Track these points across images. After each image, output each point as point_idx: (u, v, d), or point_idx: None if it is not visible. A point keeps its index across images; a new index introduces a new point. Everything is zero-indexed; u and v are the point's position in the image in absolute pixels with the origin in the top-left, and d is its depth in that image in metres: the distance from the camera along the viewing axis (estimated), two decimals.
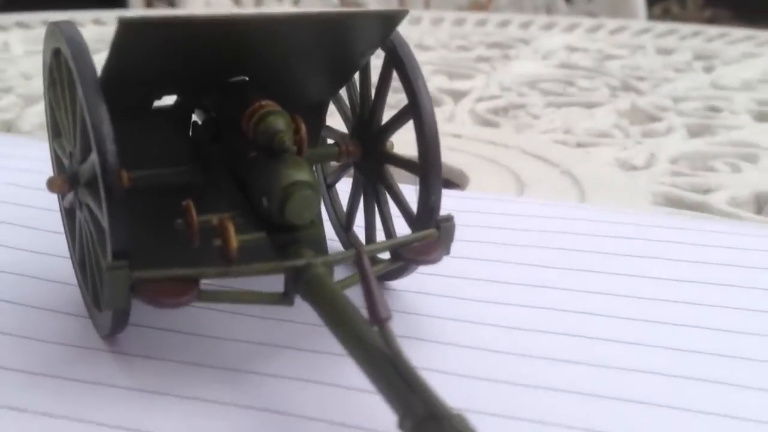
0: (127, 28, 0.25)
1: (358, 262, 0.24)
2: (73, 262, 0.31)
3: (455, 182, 0.46)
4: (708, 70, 0.73)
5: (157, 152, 0.29)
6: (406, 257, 0.28)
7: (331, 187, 0.35)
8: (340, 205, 0.35)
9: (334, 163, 0.34)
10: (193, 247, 0.26)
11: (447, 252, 0.29)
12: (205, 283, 0.25)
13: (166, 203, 0.28)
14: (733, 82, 0.68)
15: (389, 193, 0.31)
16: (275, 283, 0.26)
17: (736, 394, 0.25)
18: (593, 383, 0.26)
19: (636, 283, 0.32)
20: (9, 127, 0.55)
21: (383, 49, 0.30)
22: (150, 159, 0.29)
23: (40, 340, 0.28)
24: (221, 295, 0.26)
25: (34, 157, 0.43)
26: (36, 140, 0.47)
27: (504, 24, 0.93)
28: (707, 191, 0.45)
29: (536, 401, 0.25)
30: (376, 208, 0.32)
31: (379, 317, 0.22)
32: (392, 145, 0.31)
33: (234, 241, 0.25)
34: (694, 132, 0.56)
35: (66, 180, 0.28)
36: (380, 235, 0.31)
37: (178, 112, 0.30)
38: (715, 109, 0.61)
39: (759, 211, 0.44)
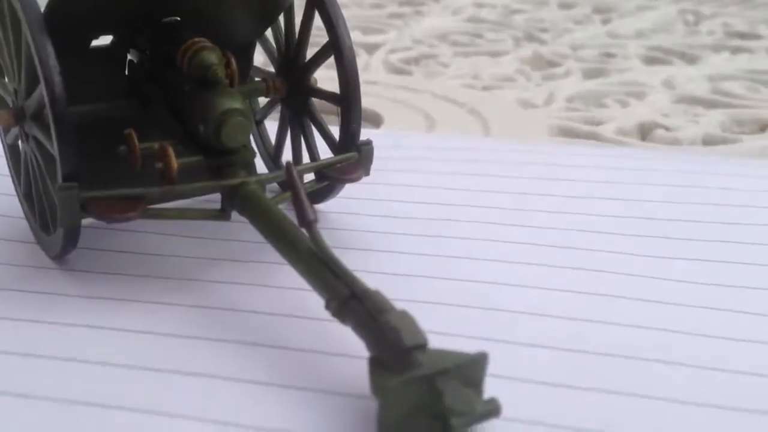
0: None
1: (287, 173, 0.26)
2: (18, 195, 0.33)
3: (371, 123, 0.50)
4: (605, 22, 0.78)
5: (95, 89, 0.32)
6: (331, 176, 0.31)
7: (260, 123, 0.38)
8: (269, 139, 0.38)
9: (262, 100, 0.37)
10: (136, 173, 0.29)
11: (367, 173, 0.32)
12: (150, 208, 0.28)
13: (109, 135, 0.30)
14: (628, 32, 0.73)
15: (314, 124, 0.34)
16: (212, 204, 0.29)
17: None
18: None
19: (533, 201, 0.36)
20: None
21: None
22: (89, 95, 0.31)
23: None
24: (165, 212, 0.29)
25: None
26: None
27: None
28: (599, 123, 0.49)
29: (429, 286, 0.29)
30: (303, 140, 0.35)
31: (307, 220, 0.25)
32: (315, 80, 0.34)
33: (174, 162, 0.28)
34: (589, 75, 0.61)
35: (12, 115, 0.31)
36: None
37: (114, 52, 0.33)
38: (609, 55, 0.66)
39: (643, 138, 0.49)
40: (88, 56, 0.32)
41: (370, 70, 0.62)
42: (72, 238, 0.29)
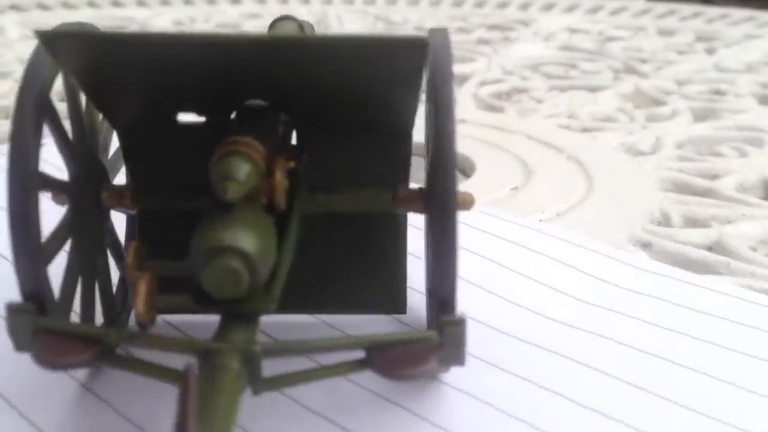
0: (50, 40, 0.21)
1: (184, 379, 0.18)
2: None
3: (461, 170, 0.46)
4: (710, 51, 0.73)
5: (182, 168, 0.25)
6: (376, 364, 0.21)
7: None
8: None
9: None
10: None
11: (447, 366, 0.22)
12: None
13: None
14: (736, 65, 0.68)
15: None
16: None
17: None
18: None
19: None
20: (7, 114, 0.55)
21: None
22: (177, 170, 0.25)
23: None
24: (125, 362, 0.22)
25: None
26: None
27: (503, 5, 0.92)
28: (714, 177, 0.44)
29: None
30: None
31: None
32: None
33: (141, 304, 0.22)
34: (699, 116, 0.55)
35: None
36: None
37: (203, 132, 0.26)
38: (719, 92, 0.61)
39: (767, 196, 0.43)
40: (173, 133, 0.26)
41: (459, 105, 0.58)
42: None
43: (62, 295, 0.24)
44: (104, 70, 0.22)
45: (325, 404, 0.24)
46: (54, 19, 0.79)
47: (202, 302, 0.21)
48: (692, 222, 0.39)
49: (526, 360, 0.26)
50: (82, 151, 0.25)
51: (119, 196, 0.25)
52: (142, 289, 0.22)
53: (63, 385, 0.25)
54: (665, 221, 0.39)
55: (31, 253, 0.21)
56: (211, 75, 0.22)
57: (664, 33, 0.80)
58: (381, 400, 0.24)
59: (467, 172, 0.45)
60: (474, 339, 0.22)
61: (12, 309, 0.21)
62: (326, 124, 0.25)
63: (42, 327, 0.21)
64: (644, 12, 0.89)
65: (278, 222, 0.23)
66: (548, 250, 0.33)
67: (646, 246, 0.35)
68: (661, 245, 0.35)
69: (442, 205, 0.21)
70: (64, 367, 0.21)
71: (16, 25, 0.79)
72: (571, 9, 0.90)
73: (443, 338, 0.21)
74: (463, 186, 0.40)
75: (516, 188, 0.42)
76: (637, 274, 0.31)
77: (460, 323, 0.21)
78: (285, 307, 0.26)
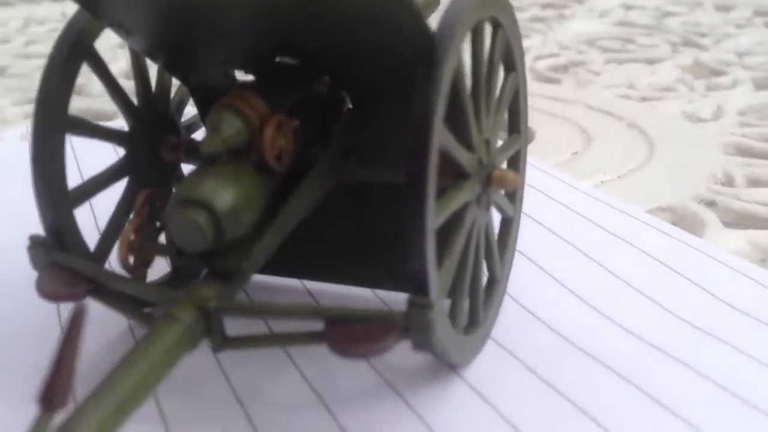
0: None
1: (71, 323, 0.17)
2: None
3: None
4: None
5: None
6: (334, 340, 0.19)
7: None
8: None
9: None
10: None
11: (417, 346, 0.19)
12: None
13: None
14: None
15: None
16: None
17: None
18: None
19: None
20: (79, 90, 0.56)
21: None
22: None
23: None
24: (109, 300, 0.22)
25: None
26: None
27: None
28: None
29: None
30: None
31: (51, 401, 0.16)
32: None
33: (122, 250, 0.22)
34: (761, 85, 0.55)
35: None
36: None
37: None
38: None
39: None
40: None
41: None
42: None
43: (103, 237, 0.24)
44: (140, 25, 0.22)
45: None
46: None
47: (181, 254, 0.21)
48: (755, 182, 0.39)
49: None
50: (143, 104, 0.25)
51: (173, 149, 0.25)
52: (126, 236, 0.22)
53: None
54: (728, 182, 0.39)
55: (49, 191, 0.22)
56: (236, 31, 0.22)
57: (722, 8, 0.79)
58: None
59: (528, 139, 0.45)
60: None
61: (32, 241, 0.23)
62: (362, 87, 0.24)
63: (54, 261, 0.22)
64: None
65: (286, 182, 0.22)
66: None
67: (710, 204, 0.35)
68: (726, 203, 0.35)
69: (413, 181, 0.18)
70: (56, 298, 0.22)
71: None
72: None
73: (408, 320, 0.19)
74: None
75: (576, 153, 0.42)
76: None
77: (427, 307, 0.18)
78: (297, 271, 0.26)
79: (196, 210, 0.20)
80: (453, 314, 0.22)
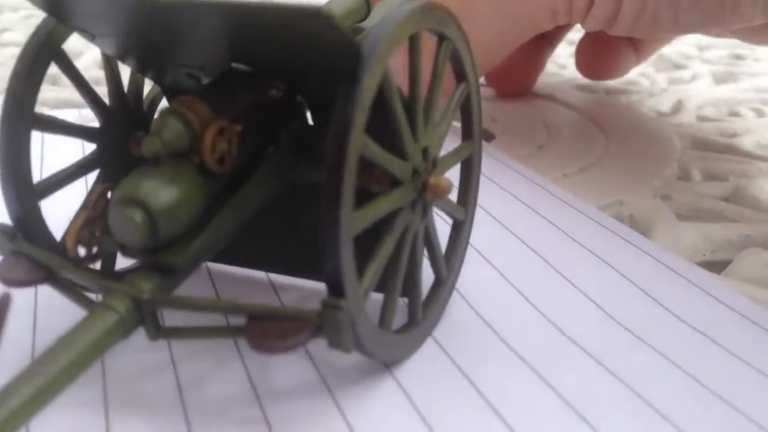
0: None
1: None
2: None
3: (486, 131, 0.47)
4: None
5: None
6: (250, 335, 0.20)
7: None
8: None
9: None
10: None
11: (331, 345, 0.20)
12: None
13: None
14: None
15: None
16: None
17: None
18: None
19: None
20: (54, 81, 0.57)
21: None
22: None
23: None
24: (62, 288, 0.23)
25: None
26: None
27: None
28: (733, 135, 0.46)
29: None
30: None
31: None
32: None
33: (71, 236, 0.23)
34: (720, 80, 0.57)
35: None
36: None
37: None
38: (739, 57, 0.62)
39: None
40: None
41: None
42: None
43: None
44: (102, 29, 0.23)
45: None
46: None
47: (124, 248, 0.22)
48: (711, 176, 0.40)
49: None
50: (115, 103, 0.26)
51: (141, 144, 0.26)
52: (74, 225, 0.23)
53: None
54: (684, 176, 0.41)
55: (15, 184, 0.24)
56: (192, 38, 0.23)
57: None
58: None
59: (487, 138, 0.47)
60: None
61: None
62: (312, 93, 0.25)
63: (15, 250, 0.23)
64: None
65: (230, 182, 0.23)
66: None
67: (666, 198, 0.37)
68: (681, 197, 0.37)
69: (330, 190, 0.19)
70: (12, 283, 0.23)
71: None
72: None
73: (321, 320, 0.20)
74: (487, 146, 0.42)
75: (541, 146, 0.44)
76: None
77: (339, 308, 0.19)
78: (238, 260, 0.28)
79: (133, 208, 0.21)
80: (382, 314, 0.23)
